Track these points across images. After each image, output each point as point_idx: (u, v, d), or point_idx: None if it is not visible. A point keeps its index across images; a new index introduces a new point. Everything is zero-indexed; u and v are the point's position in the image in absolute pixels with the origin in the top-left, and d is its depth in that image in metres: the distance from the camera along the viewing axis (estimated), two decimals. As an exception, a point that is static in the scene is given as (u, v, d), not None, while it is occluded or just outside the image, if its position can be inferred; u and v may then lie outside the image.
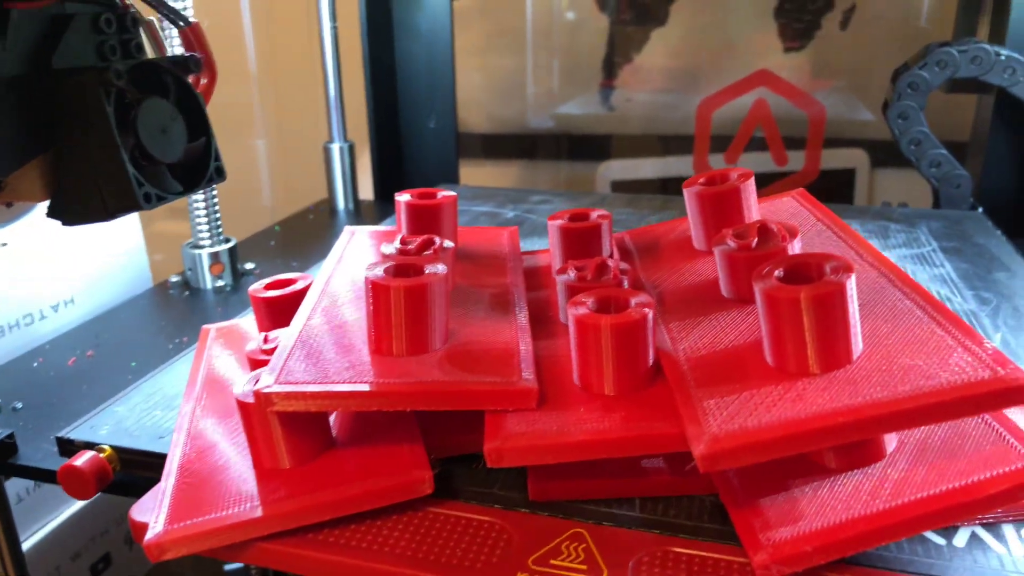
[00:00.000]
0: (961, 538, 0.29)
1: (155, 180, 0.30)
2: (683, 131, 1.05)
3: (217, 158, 0.33)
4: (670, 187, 1.07)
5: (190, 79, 0.32)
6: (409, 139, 0.86)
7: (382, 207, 0.82)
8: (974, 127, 0.79)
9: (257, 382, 0.30)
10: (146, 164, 0.30)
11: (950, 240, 0.61)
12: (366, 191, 0.85)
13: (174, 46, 0.45)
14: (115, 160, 0.28)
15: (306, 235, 0.73)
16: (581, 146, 1.12)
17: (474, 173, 1.11)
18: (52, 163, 0.29)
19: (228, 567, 0.86)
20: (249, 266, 0.63)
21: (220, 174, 0.33)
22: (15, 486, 0.54)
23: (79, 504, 0.59)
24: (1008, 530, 0.29)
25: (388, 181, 0.83)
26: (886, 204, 0.73)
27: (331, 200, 0.80)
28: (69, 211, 0.29)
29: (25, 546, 0.55)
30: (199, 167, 0.32)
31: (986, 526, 0.29)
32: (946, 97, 0.88)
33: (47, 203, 0.31)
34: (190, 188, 0.31)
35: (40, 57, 0.28)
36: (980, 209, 0.70)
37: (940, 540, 0.29)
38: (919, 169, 0.70)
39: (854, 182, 1.01)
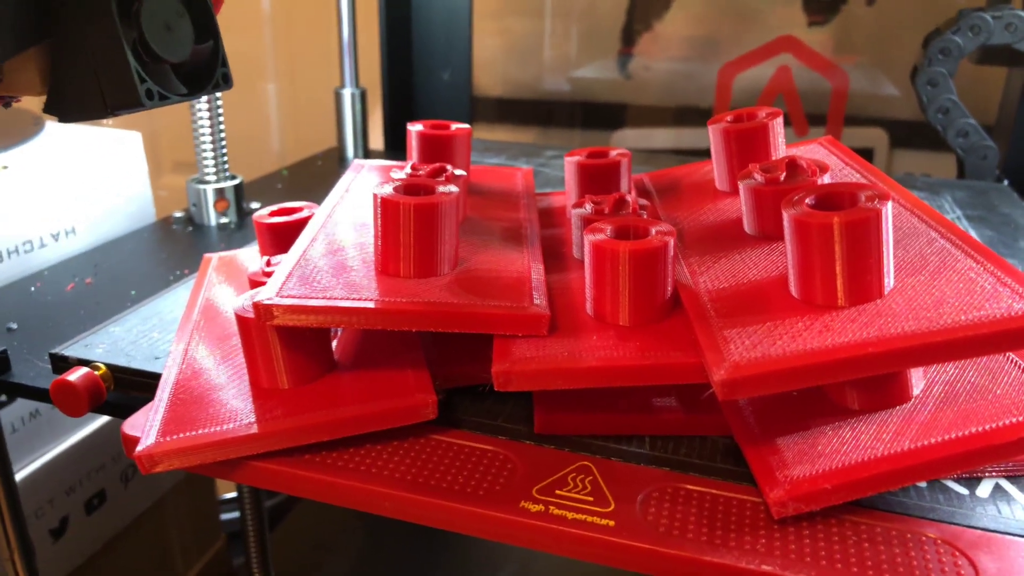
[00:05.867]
0: (985, 488, 0.28)
1: (158, 79, 0.28)
2: (700, 103, 1.03)
3: (224, 64, 0.31)
4: (685, 158, 1.06)
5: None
6: (422, 91, 0.84)
7: (392, 158, 0.81)
8: (1003, 100, 0.77)
9: (257, 296, 0.29)
10: (149, 61, 0.28)
11: (975, 209, 0.59)
12: (376, 142, 0.84)
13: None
14: (116, 52, 0.27)
15: (313, 180, 0.71)
16: (596, 113, 1.10)
17: (488, 137, 1.09)
18: (51, 55, 0.28)
19: (225, 516, 0.86)
20: (255, 205, 0.62)
21: (227, 80, 0.31)
22: (9, 415, 0.53)
23: (74, 438, 0.58)
24: (1034, 483, 0.28)
25: (399, 132, 0.82)
26: (909, 175, 0.71)
27: (340, 148, 0.78)
28: (67, 106, 0.28)
29: (17, 477, 0.54)
30: (206, 72, 0.31)
31: (1011, 478, 0.28)
32: (973, 78, 0.85)
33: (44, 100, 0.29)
34: (195, 92, 0.30)
35: (40, -61, 0.26)
36: (1006, 182, 0.68)
37: (963, 489, 0.28)
38: (945, 138, 0.68)
39: (871, 163, 0.99)
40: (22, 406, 0.54)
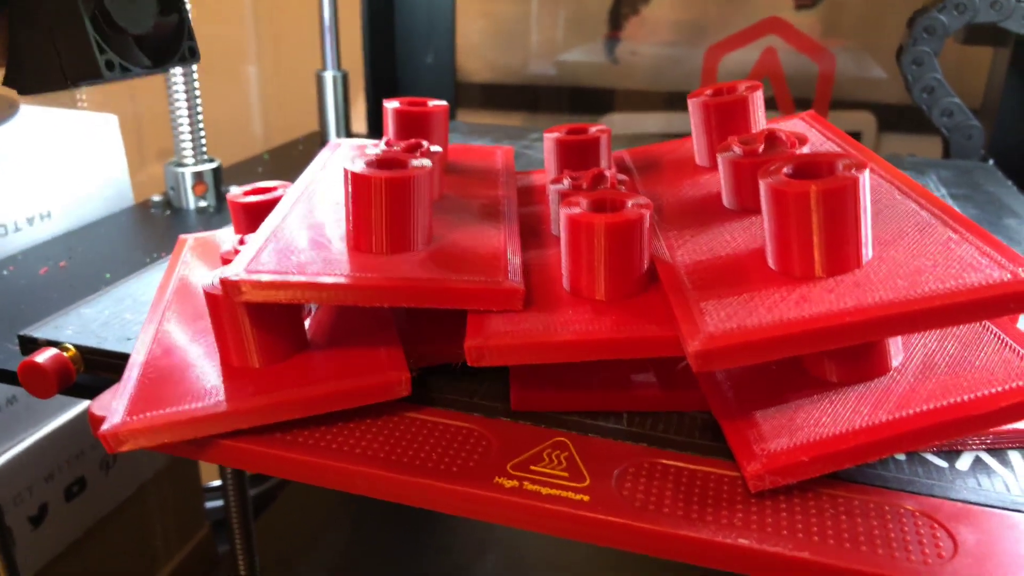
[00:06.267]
0: (964, 461, 0.27)
1: (121, 51, 0.28)
2: (688, 87, 1.02)
3: (191, 37, 0.30)
4: (673, 141, 1.05)
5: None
6: (405, 74, 0.83)
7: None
8: (988, 81, 0.77)
9: (225, 272, 0.28)
10: (110, 33, 0.27)
11: (960, 188, 0.59)
12: (359, 126, 0.83)
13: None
14: (74, 22, 0.26)
15: (295, 164, 0.70)
16: (583, 98, 1.09)
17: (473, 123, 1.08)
18: (8, 27, 0.27)
19: (209, 504, 0.85)
20: (234, 189, 0.61)
21: (193, 54, 0.30)
22: (-14, 402, 0.52)
23: (53, 424, 0.57)
24: (1014, 456, 0.28)
25: (382, 115, 0.81)
26: (895, 155, 0.71)
27: (322, 131, 0.77)
28: (25, 77, 0.27)
29: (-5, 463, 0.53)
30: (171, 45, 0.30)
31: (991, 450, 0.28)
32: (959, 58, 0.85)
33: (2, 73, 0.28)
34: (159, 64, 0.29)
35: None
36: (991, 161, 0.68)
37: (942, 462, 0.27)
38: (930, 117, 0.68)
39: (859, 146, 0.99)
40: (-1, 393, 0.53)
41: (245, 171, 0.67)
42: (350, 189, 0.30)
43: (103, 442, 0.26)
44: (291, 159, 0.72)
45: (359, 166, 0.30)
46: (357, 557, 0.76)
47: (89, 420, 0.29)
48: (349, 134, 0.78)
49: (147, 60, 0.29)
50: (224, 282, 0.27)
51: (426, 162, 0.31)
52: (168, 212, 0.57)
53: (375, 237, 0.30)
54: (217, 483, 0.85)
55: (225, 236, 0.42)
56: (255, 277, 0.27)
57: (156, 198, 0.59)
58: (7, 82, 0.28)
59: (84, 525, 0.61)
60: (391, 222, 0.30)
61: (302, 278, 0.27)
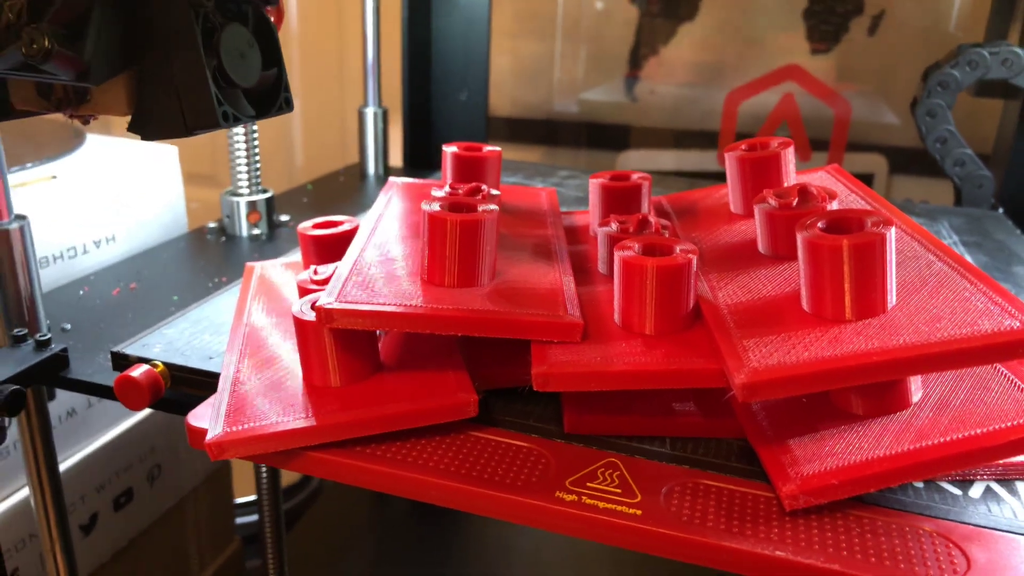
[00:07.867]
0: (976, 489, 0.30)
1: (231, 103, 0.31)
2: (704, 126, 1.06)
3: (287, 89, 0.34)
4: (691, 180, 1.09)
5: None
6: (440, 111, 0.87)
7: (412, 174, 0.84)
8: (999, 132, 0.80)
9: (316, 303, 0.31)
10: (225, 86, 0.31)
11: (971, 235, 0.62)
12: (395, 159, 0.87)
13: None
14: (199, 78, 0.30)
15: (337, 195, 0.74)
16: (602, 135, 1.13)
17: (497, 154, 1.12)
18: (135, 79, 0.31)
19: (240, 520, 0.88)
20: (284, 218, 0.64)
21: (289, 104, 0.34)
22: (49, 413, 0.56)
23: (106, 437, 0.60)
24: (1022, 486, 0.31)
25: (418, 149, 0.85)
26: (908, 201, 0.74)
27: (362, 164, 0.81)
28: (150, 126, 0.31)
29: (55, 472, 0.56)
30: (270, 96, 0.34)
31: (1001, 480, 0.31)
32: (970, 109, 0.89)
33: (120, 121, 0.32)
34: (261, 114, 0.33)
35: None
36: (1001, 210, 0.71)
37: (956, 490, 0.30)
38: (943, 167, 0.71)
39: (871, 188, 1.02)
40: (60, 405, 0.56)
41: (292, 200, 0.71)
42: (427, 228, 0.33)
43: (208, 451, 0.30)
44: (333, 189, 0.76)
45: (435, 208, 0.33)
46: (384, 572, 0.79)
47: (187, 430, 0.32)
48: (387, 167, 0.82)
49: (251, 110, 0.33)
50: (318, 310, 0.30)
51: (493, 206, 0.34)
52: (223, 239, 0.61)
53: (448, 272, 0.33)
54: (249, 499, 0.88)
55: (291, 266, 0.45)
56: (346, 306, 0.30)
57: (211, 225, 0.63)
58: (131, 129, 0.31)
59: (129, 535, 0.64)
60: (463, 259, 0.33)
61: (386, 308, 0.31)
